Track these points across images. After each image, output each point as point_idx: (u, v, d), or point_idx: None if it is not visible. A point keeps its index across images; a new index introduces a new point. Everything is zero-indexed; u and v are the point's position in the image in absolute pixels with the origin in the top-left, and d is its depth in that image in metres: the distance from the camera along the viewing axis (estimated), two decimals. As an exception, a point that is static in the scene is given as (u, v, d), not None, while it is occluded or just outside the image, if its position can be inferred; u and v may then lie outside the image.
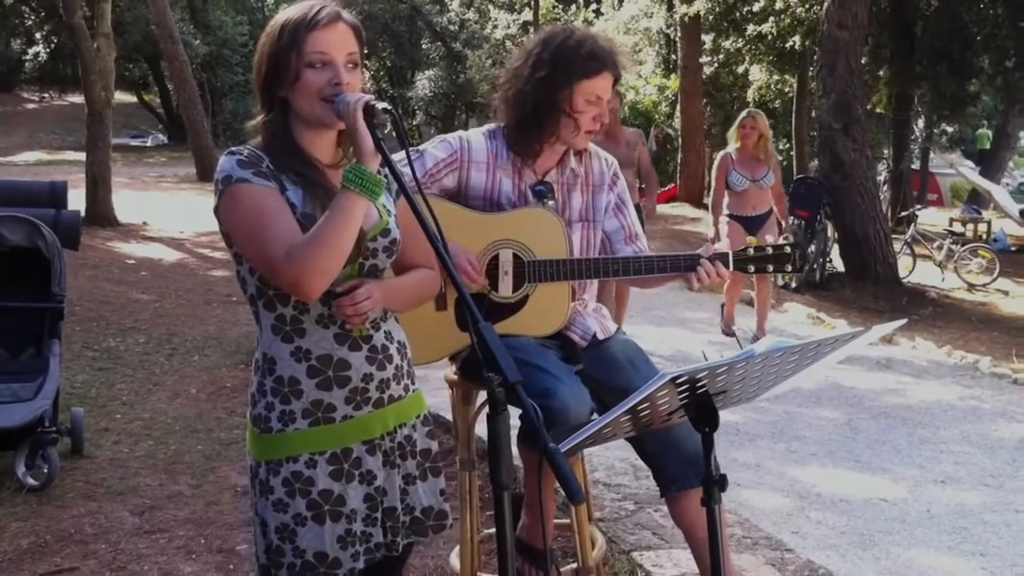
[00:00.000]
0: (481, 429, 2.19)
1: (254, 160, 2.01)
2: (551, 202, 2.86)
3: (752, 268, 2.78)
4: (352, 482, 2.07)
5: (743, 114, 8.00)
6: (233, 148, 2.04)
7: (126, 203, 14.31)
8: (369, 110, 1.94)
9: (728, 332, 7.91)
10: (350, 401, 2.07)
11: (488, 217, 2.82)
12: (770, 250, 2.77)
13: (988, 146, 26.13)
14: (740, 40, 18.62)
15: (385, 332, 2.14)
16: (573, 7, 29.92)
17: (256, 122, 2.10)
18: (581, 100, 2.75)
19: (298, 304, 2.03)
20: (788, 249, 2.77)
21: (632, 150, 7.15)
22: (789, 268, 2.78)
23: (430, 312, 2.74)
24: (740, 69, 20.15)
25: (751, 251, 2.77)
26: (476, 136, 2.88)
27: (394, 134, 2.00)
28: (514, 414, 1.74)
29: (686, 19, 18.70)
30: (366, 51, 2.13)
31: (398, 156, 2.32)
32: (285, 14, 2.06)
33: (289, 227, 1.96)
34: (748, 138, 7.67)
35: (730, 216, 7.76)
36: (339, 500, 2.05)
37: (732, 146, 7.81)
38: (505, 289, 2.79)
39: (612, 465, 4.62)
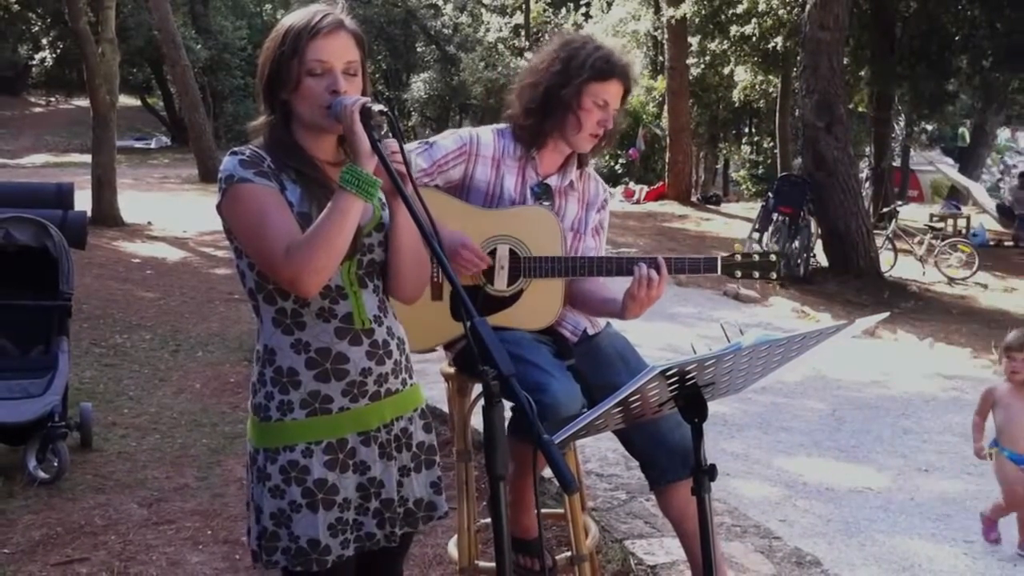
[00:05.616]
0: (477, 421, 2.25)
1: (256, 160, 2.04)
2: (547, 203, 2.95)
3: (739, 274, 2.84)
4: (346, 472, 2.10)
5: None
6: (236, 148, 2.10)
7: (131, 204, 14.29)
8: (365, 112, 1.97)
9: None
10: (347, 394, 2.09)
11: (488, 212, 2.90)
12: (756, 257, 2.86)
13: (968, 143, 26.28)
14: (725, 42, 18.79)
15: (387, 328, 2.19)
16: (563, 10, 29.99)
17: (258, 123, 2.16)
18: (588, 100, 2.83)
19: (298, 298, 2.06)
20: (773, 258, 2.86)
21: None
22: (773, 276, 2.88)
23: (426, 301, 2.79)
24: (725, 70, 20.36)
25: (738, 257, 2.85)
26: (486, 132, 2.96)
27: (390, 135, 2.05)
28: (506, 405, 1.81)
29: (673, 22, 18.78)
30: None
31: (408, 146, 2.39)
32: (290, 19, 2.10)
33: (288, 226, 1.99)
34: None
35: None
36: (333, 489, 2.08)
37: None
38: (500, 283, 2.87)
39: (605, 456, 4.69)
